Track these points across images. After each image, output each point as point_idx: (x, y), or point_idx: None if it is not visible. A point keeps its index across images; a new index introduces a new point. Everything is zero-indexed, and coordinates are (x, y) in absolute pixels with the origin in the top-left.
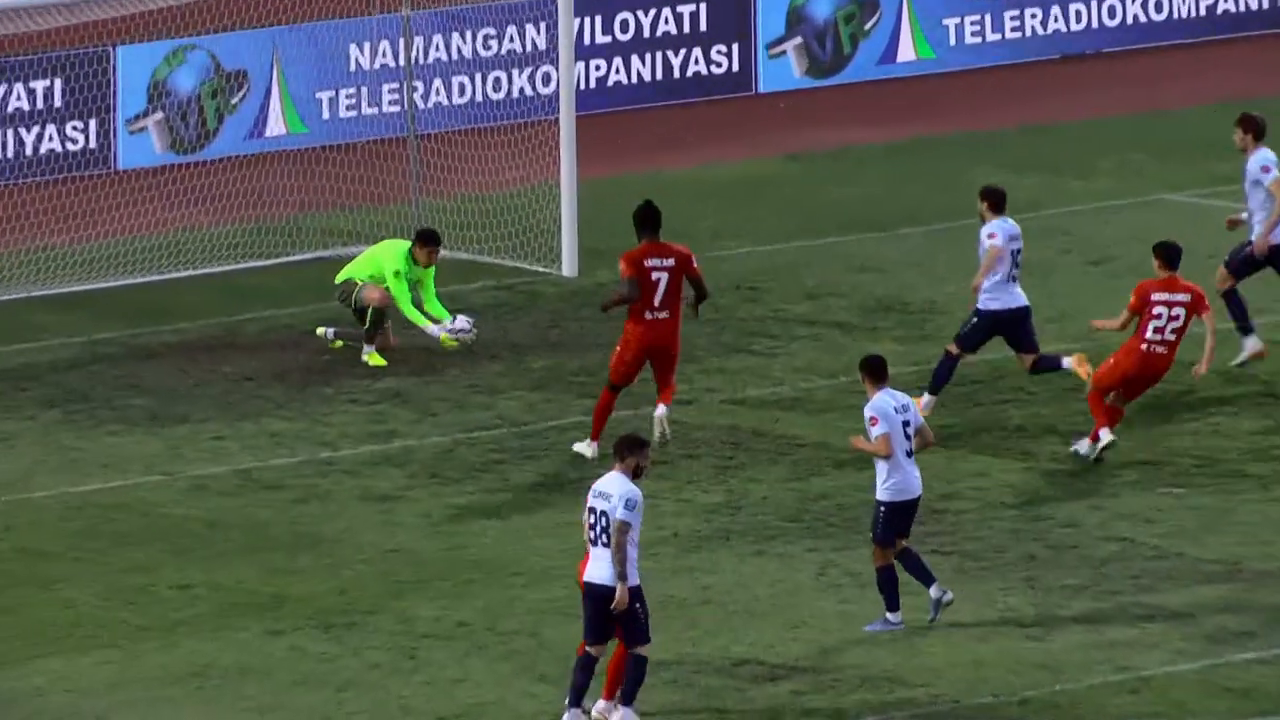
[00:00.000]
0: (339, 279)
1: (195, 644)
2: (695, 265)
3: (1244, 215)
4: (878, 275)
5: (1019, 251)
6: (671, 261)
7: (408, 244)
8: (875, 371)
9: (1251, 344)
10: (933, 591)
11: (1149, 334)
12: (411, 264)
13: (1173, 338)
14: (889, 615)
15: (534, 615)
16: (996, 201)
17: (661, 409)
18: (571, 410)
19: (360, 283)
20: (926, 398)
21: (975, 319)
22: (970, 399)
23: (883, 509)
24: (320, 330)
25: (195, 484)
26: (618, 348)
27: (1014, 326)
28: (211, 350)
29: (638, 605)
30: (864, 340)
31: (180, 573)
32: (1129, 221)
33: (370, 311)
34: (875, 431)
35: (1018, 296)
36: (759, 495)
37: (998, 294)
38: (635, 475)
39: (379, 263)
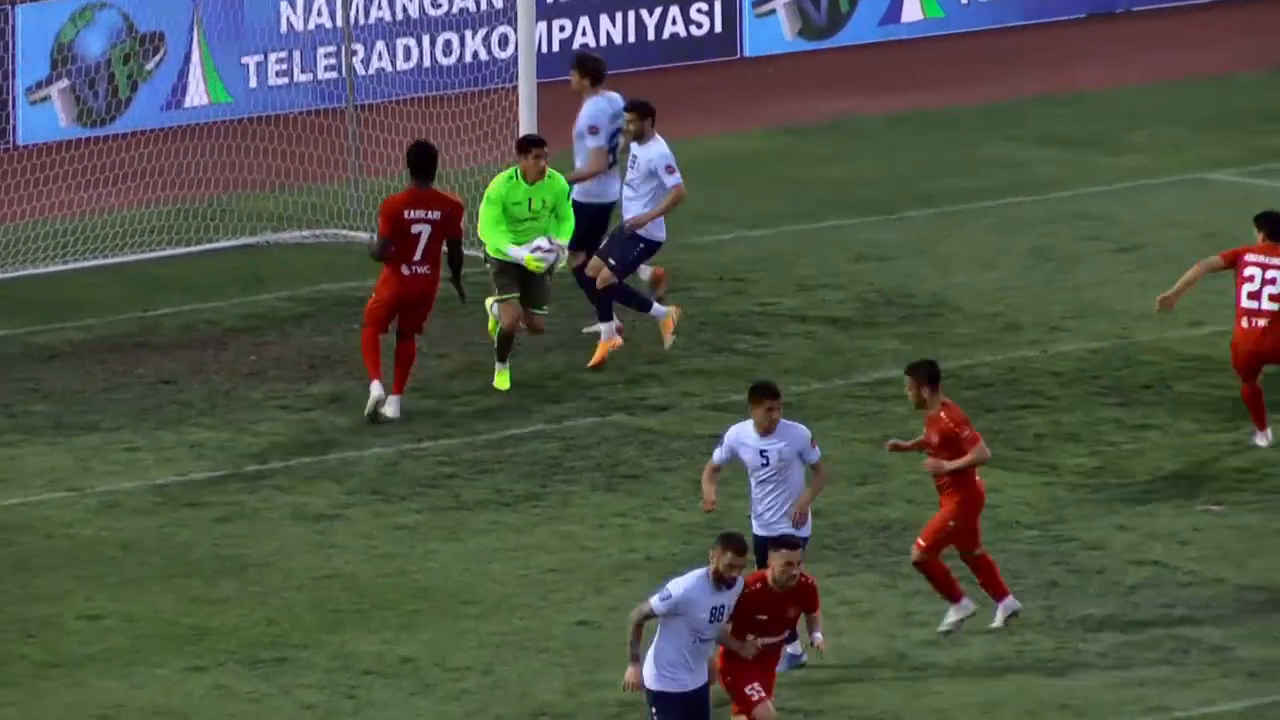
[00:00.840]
0: (490, 248)
1: (106, 683)
2: (462, 224)
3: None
4: (879, 264)
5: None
6: (438, 215)
7: (514, 168)
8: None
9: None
10: (793, 648)
11: (1243, 300)
12: (519, 181)
13: (1273, 307)
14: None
15: (488, 649)
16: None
17: (393, 404)
18: (533, 418)
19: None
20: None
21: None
22: (982, 404)
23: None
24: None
25: (106, 501)
26: (374, 294)
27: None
28: (124, 350)
29: (653, 710)
30: (862, 338)
31: (89, 602)
32: (1164, 203)
33: (500, 334)
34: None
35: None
36: (744, 513)
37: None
38: (719, 580)
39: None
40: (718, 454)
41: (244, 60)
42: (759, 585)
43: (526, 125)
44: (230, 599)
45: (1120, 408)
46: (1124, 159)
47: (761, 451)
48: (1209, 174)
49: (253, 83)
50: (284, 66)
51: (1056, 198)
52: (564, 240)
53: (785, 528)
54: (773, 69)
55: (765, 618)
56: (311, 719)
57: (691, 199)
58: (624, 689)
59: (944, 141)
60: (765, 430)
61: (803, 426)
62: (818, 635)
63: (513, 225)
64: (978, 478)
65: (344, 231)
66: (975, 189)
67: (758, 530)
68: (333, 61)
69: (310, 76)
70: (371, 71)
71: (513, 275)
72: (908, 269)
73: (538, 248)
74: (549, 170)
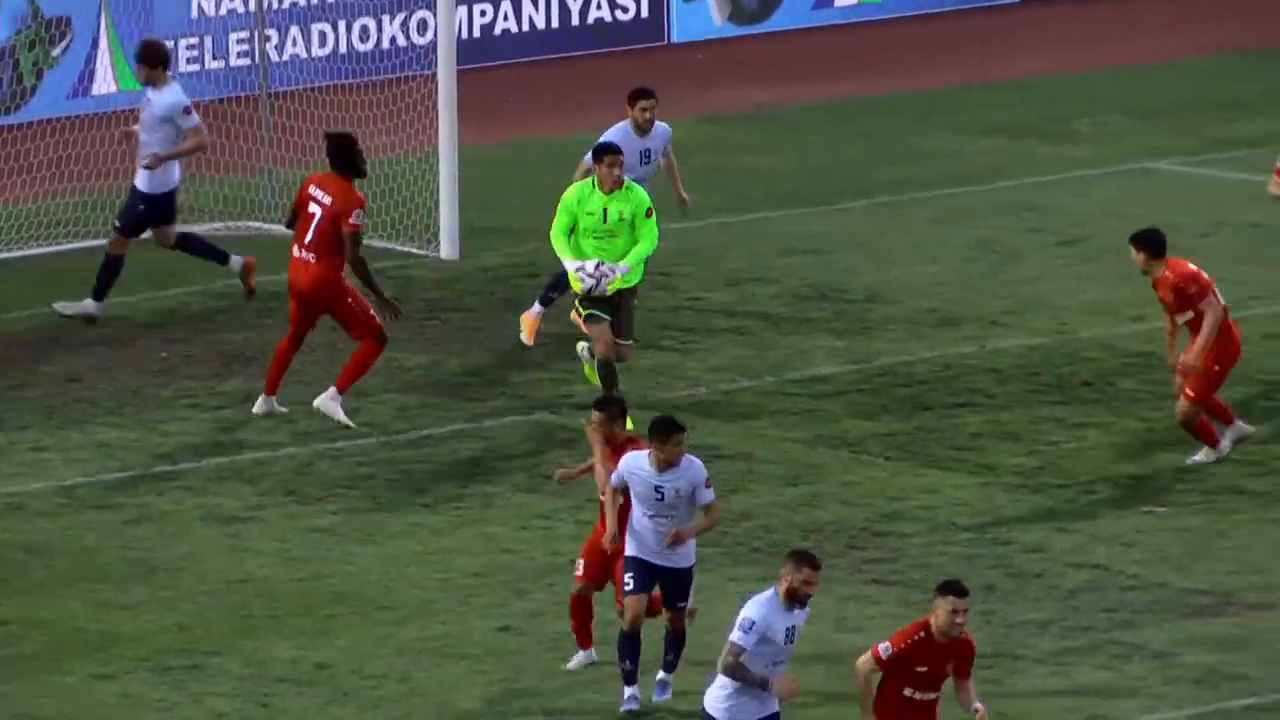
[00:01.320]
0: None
1: (11, 689)
2: (353, 221)
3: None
4: (812, 257)
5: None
6: (330, 200)
7: (591, 178)
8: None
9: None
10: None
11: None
12: (595, 189)
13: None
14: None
15: (406, 656)
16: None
17: (320, 397)
18: (453, 417)
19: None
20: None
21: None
22: (917, 401)
23: None
24: (580, 347)
25: (10, 503)
26: None
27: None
28: (29, 346)
29: None
30: (795, 334)
31: None
32: (1107, 193)
33: (597, 363)
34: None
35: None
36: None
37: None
38: (792, 599)
39: None
40: (614, 478)
41: None
42: (922, 634)
43: (446, 113)
44: (140, 604)
45: (1061, 406)
46: (1067, 148)
47: (656, 487)
48: (1153, 163)
49: None
50: (195, 53)
51: (998, 188)
52: (630, 264)
53: (669, 553)
54: (701, 55)
55: (925, 669)
56: None
57: None
58: (782, 700)
59: (881, 130)
60: (665, 466)
61: (699, 463)
62: (979, 706)
63: (587, 237)
64: None
65: (257, 223)
66: (914, 179)
67: (639, 554)
68: (245, 48)
69: (222, 63)
70: (285, 58)
71: (604, 304)
72: (843, 262)
73: (581, 268)
74: (627, 181)
